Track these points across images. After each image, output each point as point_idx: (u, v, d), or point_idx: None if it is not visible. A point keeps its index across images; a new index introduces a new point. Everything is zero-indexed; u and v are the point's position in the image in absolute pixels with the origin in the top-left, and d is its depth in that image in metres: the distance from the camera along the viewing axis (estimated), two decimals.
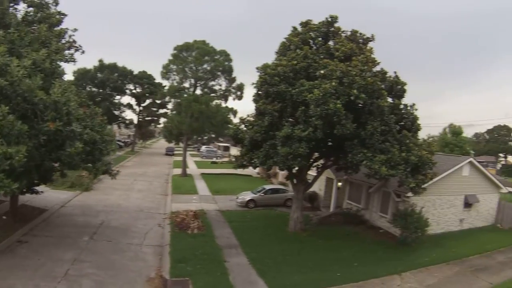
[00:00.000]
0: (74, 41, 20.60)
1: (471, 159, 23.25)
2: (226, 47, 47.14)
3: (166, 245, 17.66)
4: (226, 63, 40.48)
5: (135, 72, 67.35)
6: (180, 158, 47.68)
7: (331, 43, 19.63)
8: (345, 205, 26.61)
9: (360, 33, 19.81)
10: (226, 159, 63.11)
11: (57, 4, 19.24)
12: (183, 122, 40.23)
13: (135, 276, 14.28)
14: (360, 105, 16.23)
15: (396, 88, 18.78)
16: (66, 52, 19.26)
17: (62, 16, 19.33)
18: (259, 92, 19.04)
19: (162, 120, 72.93)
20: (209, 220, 22.54)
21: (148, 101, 71.67)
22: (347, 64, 16.71)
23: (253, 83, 19.54)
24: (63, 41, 19.53)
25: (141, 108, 72.12)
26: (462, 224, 23.60)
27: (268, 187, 28.85)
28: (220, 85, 42.11)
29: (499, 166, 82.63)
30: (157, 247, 17.67)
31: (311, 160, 20.80)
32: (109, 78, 62.41)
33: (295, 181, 21.42)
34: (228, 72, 41.00)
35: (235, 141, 22.08)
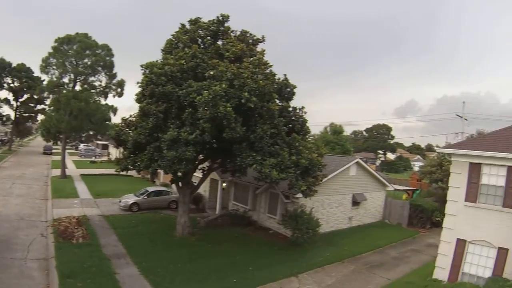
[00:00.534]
0: None
1: (358, 159, 24.50)
2: (105, 41, 44.35)
3: (51, 258, 15.93)
4: (108, 58, 38.40)
5: (14, 65, 61.27)
6: (58, 158, 44.95)
7: (220, 42, 18.86)
8: (231, 206, 26.35)
9: (250, 34, 19.34)
10: (105, 158, 62.10)
11: None
12: (61, 120, 37.60)
13: None
14: (250, 108, 15.55)
15: (285, 90, 18.67)
16: None
17: None
18: (144, 92, 17.27)
19: (40, 116, 67.60)
20: (93, 227, 20.93)
21: (26, 96, 65.61)
22: (238, 65, 16.05)
23: (137, 82, 17.90)
24: None
25: (18, 103, 65.98)
26: (351, 222, 24.70)
27: (151, 189, 27.51)
28: (100, 81, 40.05)
29: (378, 162, 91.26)
30: (42, 261, 15.80)
31: (197, 162, 19.89)
32: None
33: (180, 184, 20.27)
34: (109, 67, 38.99)
35: (118, 143, 20.35)
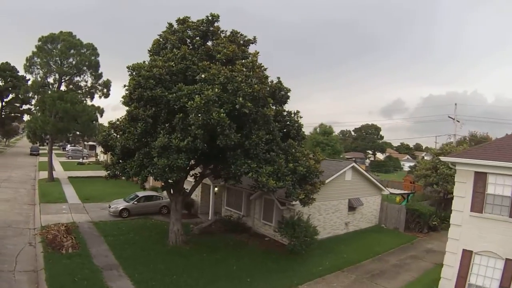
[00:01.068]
0: None
1: (353, 164, 23.82)
2: (90, 40, 43.66)
3: (41, 270, 15.22)
4: (93, 57, 37.47)
5: None
6: (46, 159, 44.31)
7: (210, 43, 17.96)
8: (224, 212, 25.60)
9: (241, 34, 18.47)
10: (93, 159, 61.67)
11: None
12: (47, 122, 36.79)
13: None
14: (245, 113, 14.59)
15: (279, 94, 17.75)
16: None
17: None
18: (132, 96, 16.22)
19: (26, 116, 67.82)
20: (83, 235, 20.13)
21: (11, 96, 64.78)
22: (231, 68, 15.15)
23: (124, 86, 16.84)
24: None
25: (3, 103, 65.14)
26: (348, 227, 24.08)
27: (141, 194, 26.42)
28: (86, 82, 39.23)
29: (367, 162, 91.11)
30: (31, 273, 15.05)
31: (188, 168, 18.88)
32: None
33: (172, 191, 19.34)
34: (94, 67, 38.08)
35: (105, 148, 19.35)
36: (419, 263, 19.80)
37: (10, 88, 62.59)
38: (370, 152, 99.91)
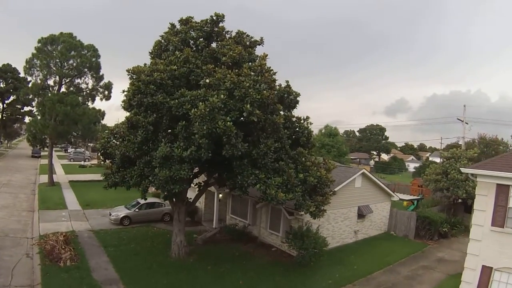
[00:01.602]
0: None
1: (363, 170, 22.95)
2: (91, 40, 43.16)
3: (37, 285, 14.61)
4: (94, 59, 36.65)
5: None
6: (47, 161, 43.41)
7: (214, 45, 17.08)
8: (228, 220, 24.73)
9: (247, 35, 17.50)
10: (95, 162, 60.47)
11: None
12: (46, 126, 36.02)
13: None
14: (253, 121, 13.54)
15: (288, 98, 16.63)
16: None
17: None
18: (131, 102, 15.33)
19: (27, 118, 66.69)
20: (82, 246, 19.36)
21: (12, 98, 64.52)
22: (237, 72, 14.18)
23: (123, 91, 15.95)
24: None
25: (4, 105, 65.12)
26: (357, 236, 23.30)
27: (142, 201, 25.35)
28: (87, 84, 38.31)
29: (372, 163, 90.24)
30: None
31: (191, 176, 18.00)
32: None
33: (174, 200, 18.42)
34: (95, 69, 37.25)
35: (104, 156, 18.60)
36: (432, 274, 18.97)
37: (11, 90, 62.17)
38: (374, 153, 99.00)
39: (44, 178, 39.20)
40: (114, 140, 17.65)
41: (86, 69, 36.85)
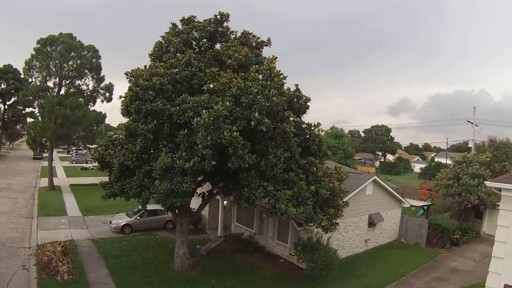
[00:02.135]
0: None
1: (374, 177, 21.90)
2: (91, 40, 42.43)
3: None
4: (94, 60, 35.78)
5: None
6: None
7: (218, 46, 16.04)
8: (233, 228, 23.71)
9: (254, 35, 16.42)
10: (96, 164, 57.75)
11: None
12: (46, 128, 35.29)
13: None
14: (261, 130, 12.41)
15: (298, 103, 15.56)
16: None
17: None
18: (129, 109, 14.31)
19: (29, 119, 66.10)
20: (81, 257, 18.49)
21: (13, 99, 63.44)
22: (243, 75, 13.07)
23: (121, 96, 14.83)
24: None
25: (6, 106, 64.47)
26: (367, 245, 22.32)
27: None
28: (87, 85, 37.47)
29: (377, 163, 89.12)
30: None
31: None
32: None
33: (176, 211, 17.36)
34: (96, 70, 36.40)
35: (101, 165, 17.70)
36: (446, 286, 18.03)
37: (12, 91, 61.15)
38: (379, 153, 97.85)
39: (45, 182, 38.37)
40: (111, 149, 16.77)
41: (86, 70, 35.94)
